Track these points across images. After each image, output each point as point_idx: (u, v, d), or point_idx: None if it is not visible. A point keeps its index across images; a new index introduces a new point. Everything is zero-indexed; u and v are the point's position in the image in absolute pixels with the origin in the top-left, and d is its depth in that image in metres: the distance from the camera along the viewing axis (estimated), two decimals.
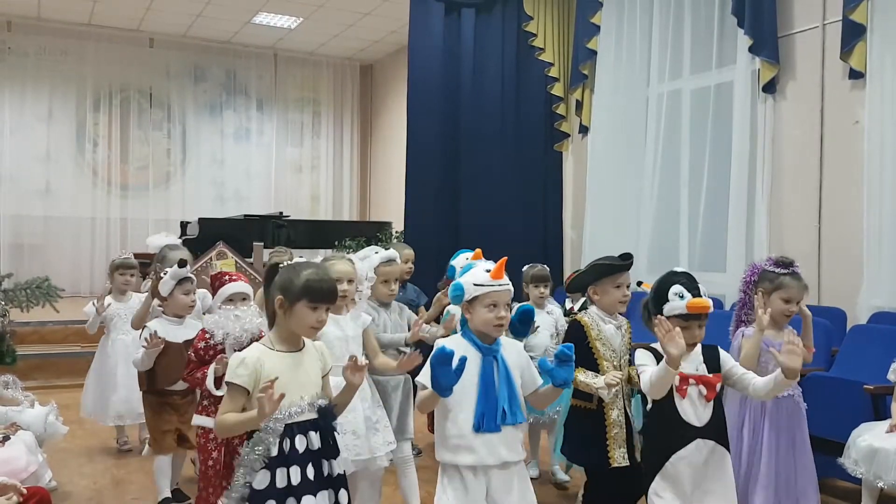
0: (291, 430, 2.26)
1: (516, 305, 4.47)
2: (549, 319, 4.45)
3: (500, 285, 2.50)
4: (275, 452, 2.23)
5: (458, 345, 2.45)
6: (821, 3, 5.62)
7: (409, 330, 3.57)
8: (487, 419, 2.40)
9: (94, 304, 4.81)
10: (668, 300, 2.61)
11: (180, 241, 5.83)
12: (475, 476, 2.41)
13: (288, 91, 12.26)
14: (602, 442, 3.08)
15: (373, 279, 3.43)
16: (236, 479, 2.25)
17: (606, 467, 3.06)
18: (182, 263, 3.78)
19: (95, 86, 10.98)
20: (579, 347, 3.08)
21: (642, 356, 2.68)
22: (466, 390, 2.40)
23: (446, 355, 2.26)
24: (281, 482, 2.22)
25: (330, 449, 2.35)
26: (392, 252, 3.59)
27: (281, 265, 2.42)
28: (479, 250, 3.16)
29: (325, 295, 2.34)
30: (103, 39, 10.87)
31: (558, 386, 2.43)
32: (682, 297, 2.58)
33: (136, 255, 5.25)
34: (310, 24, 10.53)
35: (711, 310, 2.71)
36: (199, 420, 3.31)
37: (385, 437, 3.21)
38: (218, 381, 3.09)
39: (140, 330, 3.96)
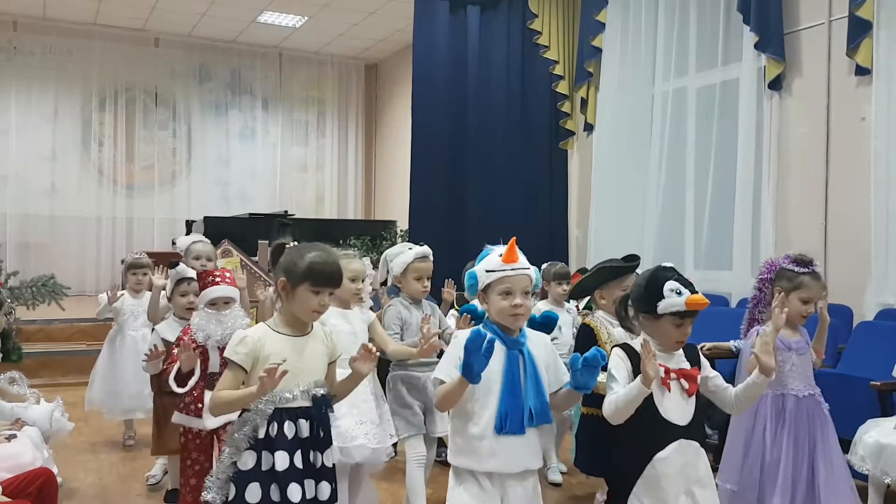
0: (281, 415, 2.22)
1: (537, 304, 4.49)
2: (569, 317, 4.48)
3: (513, 269, 2.27)
4: (262, 434, 2.21)
5: None
6: None
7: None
8: (512, 420, 2.19)
9: (107, 293, 4.86)
10: (663, 297, 2.41)
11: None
12: (492, 484, 2.22)
13: (293, 90, 12.27)
14: None
15: (373, 275, 3.42)
16: (223, 459, 2.22)
17: None
18: (173, 265, 3.79)
19: (101, 85, 11.01)
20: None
21: (617, 365, 2.47)
22: (490, 387, 2.20)
23: (481, 338, 2.08)
24: (266, 465, 2.20)
25: (320, 440, 2.30)
26: (426, 249, 3.57)
27: (288, 245, 2.38)
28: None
29: (328, 278, 2.30)
30: (108, 39, 10.90)
31: (577, 389, 2.25)
32: (679, 293, 2.40)
33: (158, 254, 5.25)
34: (315, 23, 10.54)
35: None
36: (178, 418, 3.30)
37: (388, 431, 3.25)
38: (181, 379, 3.06)
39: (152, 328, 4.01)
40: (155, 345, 3.56)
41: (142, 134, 11.32)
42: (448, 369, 2.23)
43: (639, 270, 3.29)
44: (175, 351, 3.28)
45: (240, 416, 2.26)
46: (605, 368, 2.69)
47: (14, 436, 3.39)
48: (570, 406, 2.58)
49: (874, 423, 3.62)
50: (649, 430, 2.39)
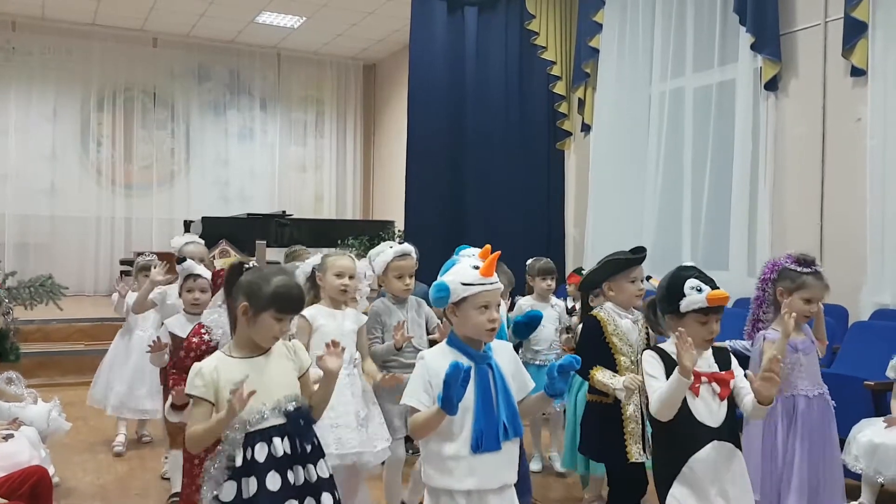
0: (253, 438, 2.14)
1: (521, 301, 4.52)
2: (553, 313, 4.49)
3: (491, 284, 2.22)
4: (240, 462, 2.12)
5: (445, 356, 2.20)
6: (822, 0, 5.62)
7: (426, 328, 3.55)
8: (487, 438, 2.15)
9: (118, 291, 4.91)
10: (684, 295, 2.43)
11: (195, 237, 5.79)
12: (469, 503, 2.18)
13: (291, 90, 12.28)
14: (619, 437, 3.05)
15: (371, 277, 3.41)
16: (203, 495, 2.14)
17: (624, 462, 3.04)
18: (179, 261, 3.81)
19: (100, 85, 11.01)
20: (596, 343, 3.08)
21: (652, 364, 2.48)
22: (464, 406, 2.13)
23: (460, 371, 2.02)
24: (246, 493, 2.11)
25: (305, 455, 2.21)
26: (406, 246, 3.54)
27: (246, 266, 2.30)
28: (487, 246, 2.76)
29: (293, 305, 2.24)
30: (107, 39, 10.90)
31: (550, 396, 2.23)
32: (700, 290, 2.43)
33: (157, 255, 5.26)
34: (313, 23, 10.55)
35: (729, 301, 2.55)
36: (181, 418, 3.30)
37: (378, 434, 3.16)
38: (176, 407, 3.05)
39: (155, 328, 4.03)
40: (158, 337, 3.55)
41: (140, 134, 11.31)
42: (419, 394, 2.18)
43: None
44: (181, 354, 3.27)
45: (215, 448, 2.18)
46: (578, 373, 2.72)
47: (11, 435, 3.41)
48: (538, 412, 2.56)
49: (868, 423, 3.64)
50: (683, 432, 2.41)
